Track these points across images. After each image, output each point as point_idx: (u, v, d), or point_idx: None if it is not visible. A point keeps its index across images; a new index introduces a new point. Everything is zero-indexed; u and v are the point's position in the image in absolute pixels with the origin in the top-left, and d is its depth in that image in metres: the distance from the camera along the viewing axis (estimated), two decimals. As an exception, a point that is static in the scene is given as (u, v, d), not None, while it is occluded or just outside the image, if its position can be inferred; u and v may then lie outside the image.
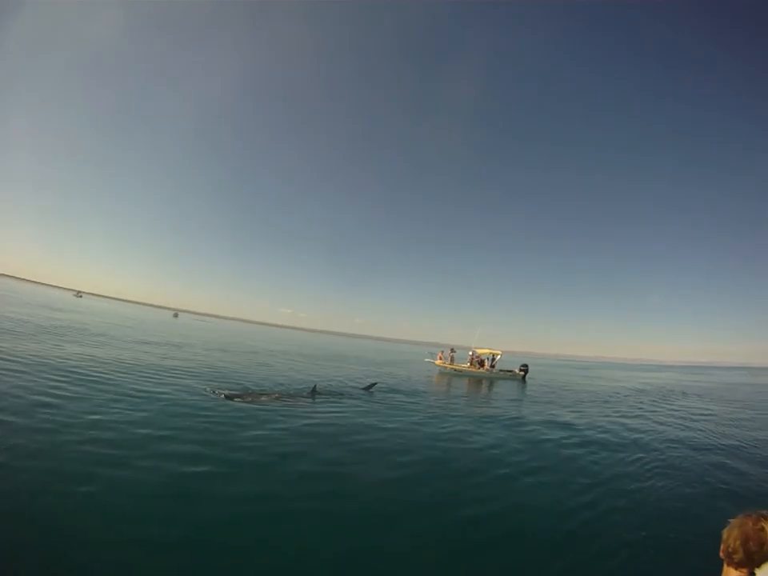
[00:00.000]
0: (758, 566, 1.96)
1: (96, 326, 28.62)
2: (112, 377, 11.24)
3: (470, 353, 29.02)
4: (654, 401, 19.60)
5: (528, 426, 11.06)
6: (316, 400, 11.89)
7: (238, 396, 10.84)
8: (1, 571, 3.36)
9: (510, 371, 28.52)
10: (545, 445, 9.15)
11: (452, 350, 28.92)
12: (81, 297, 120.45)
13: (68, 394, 8.67)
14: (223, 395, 10.74)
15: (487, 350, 29.38)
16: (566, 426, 11.38)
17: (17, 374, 9.79)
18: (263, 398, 11.12)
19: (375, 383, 15.77)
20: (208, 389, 11.30)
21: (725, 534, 2.07)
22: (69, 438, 6.13)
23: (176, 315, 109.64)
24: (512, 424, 11.26)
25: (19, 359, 11.52)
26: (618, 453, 8.74)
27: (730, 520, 2.09)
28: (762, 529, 1.95)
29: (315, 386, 13.18)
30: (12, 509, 4.15)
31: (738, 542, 1.98)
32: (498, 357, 29.22)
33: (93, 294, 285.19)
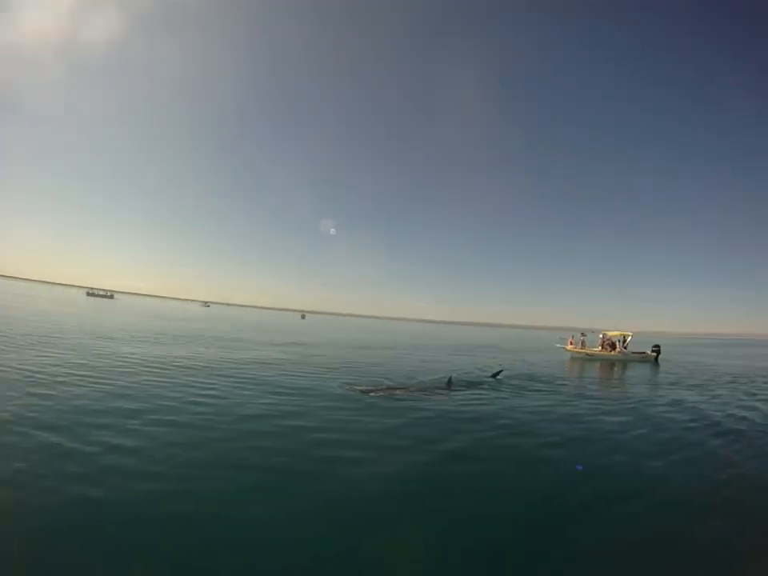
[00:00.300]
0: None
1: (229, 332, 31.84)
2: (258, 375, 12.51)
3: (601, 336, 28.46)
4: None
5: (659, 408, 11.01)
6: (452, 391, 11.94)
7: (373, 390, 10.94)
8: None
9: (642, 353, 27.57)
10: (674, 427, 9.06)
11: (582, 334, 28.78)
12: (208, 306, 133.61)
13: (219, 393, 9.76)
14: (360, 390, 10.85)
15: (618, 332, 28.40)
16: (699, 409, 11.05)
17: (176, 376, 11.30)
18: (399, 392, 11.12)
19: (501, 370, 16.22)
20: (345, 384, 11.65)
21: None
22: (221, 433, 6.87)
23: (303, 317, 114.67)
24: (643, 407, 11.16)
25: (170, 363, 13.25)
26: (759, 439, 8.32)
27: None
28: None
29: (451, 377, 13.27)
30: (180, 489, 4.83)
31: None
32: (629, 338, 28.00)
33: (218, 303, 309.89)
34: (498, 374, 15.81)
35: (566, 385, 15.23)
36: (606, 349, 27.96)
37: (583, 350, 28.17)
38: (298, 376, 12.97)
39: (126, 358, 13.95)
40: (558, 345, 30.84)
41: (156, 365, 13.02)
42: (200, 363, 14.17)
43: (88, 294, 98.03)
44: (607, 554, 4.21)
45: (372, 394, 10.56)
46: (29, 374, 10.08)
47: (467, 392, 12.09)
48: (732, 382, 17.40)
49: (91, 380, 10.07)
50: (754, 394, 14.08)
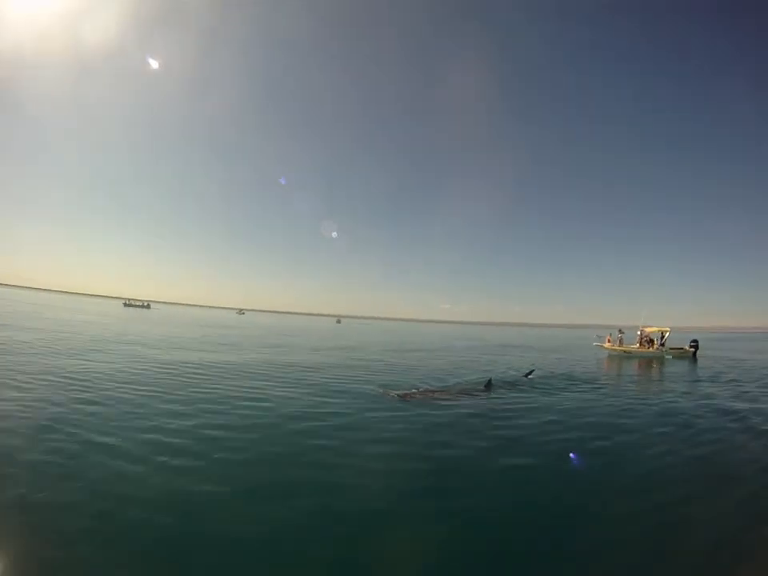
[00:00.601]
0: None
1: (267, 338, 32.76)
2: (299, 378, 12.81)
3: (638, 332, 27.96)
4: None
5: (692, 405, 10.91)
6: (491, 393, 11.79)
7: (410, 394, 10.76)
8: None
9: (680, 348, 27.25)
10: (703, 423, 9.05)
11: (620, 331, 28.35)
12: (243, 314, 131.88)
13: (262, 396, 10.05)
14: (396, 394, 10.63)
15: (655, 328, 27.89)
16: (731, 405, 10.89)
17: (221, 380, 11.61)
18: (436, 394, 10.94)
19: (533, 370, 16.25)
20: (381, 387, 11.54)
21: None
22: (265, 435, 7.12)
23: (339, 321, 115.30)
24: (676, 405, 11.01)
25: (215, 368, 13.72)
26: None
27: None
28: None
29: (491, 379, 13.05)
30: (227, 490, 5.01)
31: None
32: (667, 334, 27.57)
33: (252, 310, 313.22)
34: (529, 373, 15.78)
35: (602, 384, 15.06)
36: (644, 345, 27.50)
37: (621, 348, 27.81)
38: (337, 379, 13.17)
39: (170, 364, 14.38)
40: (596, 343, 30.28)
41: (201, 370, 13.42)
42: (243, 368, 14.50)
43: (125, 305, 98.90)
44: (620, 553, 4.26)
45: (410, 398, 10.40)
46: (75, 379, 10.59)
47: (505, 393, 12.00)
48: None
49: (140, 385, 10.47)
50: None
